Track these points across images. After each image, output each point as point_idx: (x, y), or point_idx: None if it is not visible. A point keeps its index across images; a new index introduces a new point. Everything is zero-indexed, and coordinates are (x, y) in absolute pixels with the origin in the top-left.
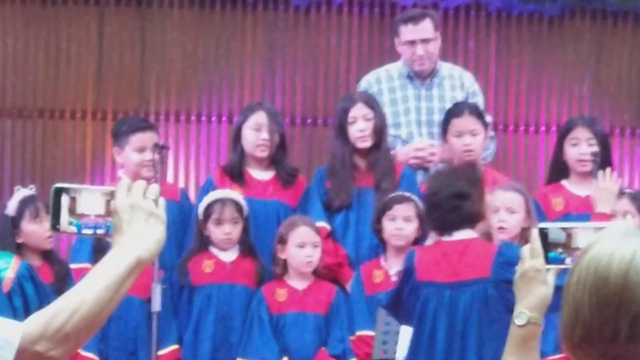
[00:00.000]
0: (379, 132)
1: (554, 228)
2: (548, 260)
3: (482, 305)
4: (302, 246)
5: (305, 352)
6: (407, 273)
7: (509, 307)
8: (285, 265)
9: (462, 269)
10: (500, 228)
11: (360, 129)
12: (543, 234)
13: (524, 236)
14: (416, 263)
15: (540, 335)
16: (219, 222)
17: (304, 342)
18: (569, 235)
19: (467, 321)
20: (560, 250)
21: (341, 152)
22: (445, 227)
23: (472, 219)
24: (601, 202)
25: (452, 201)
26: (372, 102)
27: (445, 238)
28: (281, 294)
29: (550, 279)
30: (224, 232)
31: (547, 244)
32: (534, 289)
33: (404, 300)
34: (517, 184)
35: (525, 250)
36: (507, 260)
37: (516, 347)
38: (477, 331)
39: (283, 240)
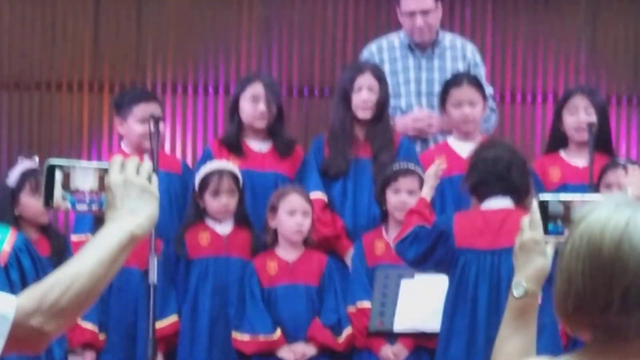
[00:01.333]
0: (382, 104)
1: (554, 200)
2: (547, 232)
3: None
4: (292, 214)
5: (298, 324)
6: (444, 236)
7: (549, 277)
8: (275, 234)
9: (503, 236)
10: None
11: (363, 98)
12: (543, 205)
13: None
14: (455, 228)
15: (538, 306)
16: (216, 193)
17: (297, 314)
18: (568, 207)
19: (509, 287)
20: (559, 221)
21: (342, 118)
22: (492, 195)
23: (518, 189)
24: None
25: (512, 169)
26: (379, 74)
27: (485, 206)
28: (272, 267)
29: (549, 250)
30: (221, 203)
31: (547, 216)
32: (532, 260)
33: (433, 258)
34: None
35: (525, 221)
36: None
37: (513, 318)
38: None
39: (274, 208)
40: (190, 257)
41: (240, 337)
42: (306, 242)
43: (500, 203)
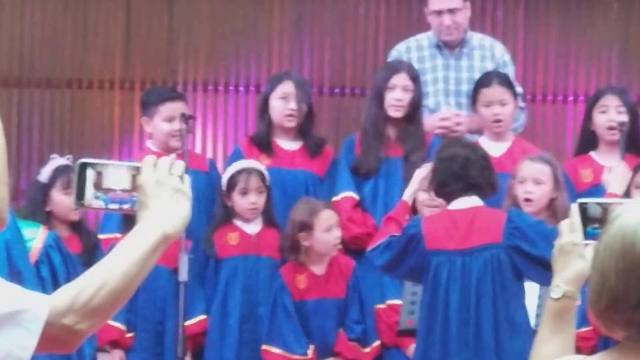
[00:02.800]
0: (415, 105)
1: (593, 203)
2: (586, 235)
3: (495, 270)
4: (329, 229)
5: (327, 337)
6: (413, 240)
7: (517, 275)
8: (307, 252)
9: (473, 235)
10: (527, 200)
11: (397, 97)
12: (582, 208)
13: (551, 207)
14: (424, 231)
15: (576, 309)
16: (244, 192)
17: (326, 329)
18: (606, 210)
19: (481, 287)
20: (597, 225)
21: (374, 117)
22: (455, 194)
23: (478, 185)
24: (612, 184)
25: (470, 167)
26: (415, 75)
27: (453, 207)
28: (301, 280)
29: (588, 253)
30: (250, 202)
31: (586, 219)
32: (571, 263)
33: (405, 264)
34: (546, 154)
35: (564, 224)
36: (517, 226)
37: (551, 320)
38: (492, 296)
39: (307, 227)
40: (219, 257)
41: (272, 350)
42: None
43: (466, 202)
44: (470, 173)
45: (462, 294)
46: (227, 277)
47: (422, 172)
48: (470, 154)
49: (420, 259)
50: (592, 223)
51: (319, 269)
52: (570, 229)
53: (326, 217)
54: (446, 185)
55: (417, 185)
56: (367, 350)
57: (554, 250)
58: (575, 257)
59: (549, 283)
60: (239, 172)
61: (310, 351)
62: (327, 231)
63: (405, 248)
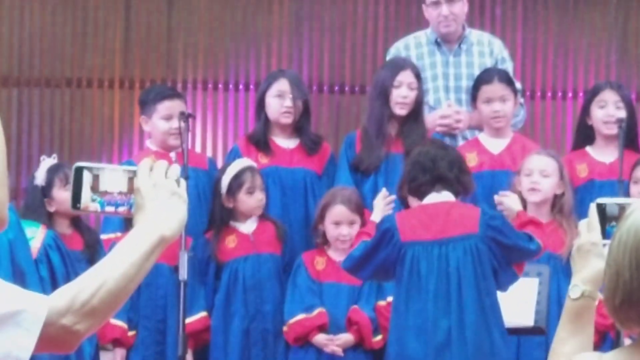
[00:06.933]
0: (418, 102)
1: (611, 203)
2: (605, 234)
3: (475, 259)
4: (338, 225)
5: (340, 321)
6: (387, 234)
7: (493, 267)
8: (324, 236)
9: (449, 226)
10: (532, 189)
11: (403, 95)
12: (601, 208)
13: (557, 203)
14: (398, 224)
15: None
16: (251, 191)
17: (338, 313)
18: (623, 209)
19: (462, 275)
20: (614, 224)
21: (378, 114)
22: (424, 188)
23: (447, 179)
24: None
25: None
26: (418, 73)
27: (426, 201)
28: (320, 262)
29: (607, 253)
30: (258, 199)
31: (604, 218)
32: (589, 262)
33: (377, 260)
34: (553, 151)
35: (582, 224)
36: (491, 216)
37: (570, 320)
38: (475, 284)
39: (322, 214)
40: (220, 260)
41: (285, 328)
42: None
43: (439, 197)
44: (438, 166)
45: (438, 283)
46: (230, 280)
47: (380, 197)
48: (440, 151)
49: (394, 251)
50: (611, 222)
51: (337, 256)
52: (588, 229)
53: (336, 212)
54: (415, 179)
55: (383, 207)
56: (377, 339)
57: (573, 250)
58: (593, 257)
59: (518, 275)
60: (243, 171)
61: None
62: (335, 225)
63: (378, 243)
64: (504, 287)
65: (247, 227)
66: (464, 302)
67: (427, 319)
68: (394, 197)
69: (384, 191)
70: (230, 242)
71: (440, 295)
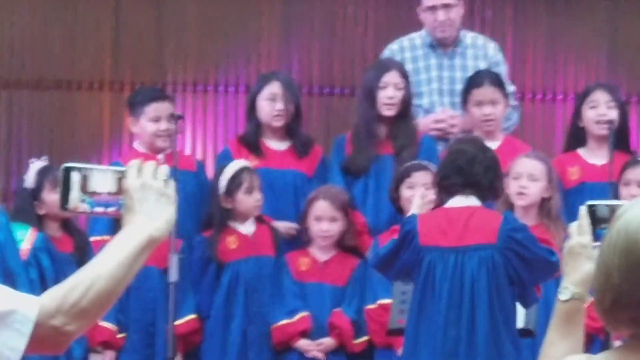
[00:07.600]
0: (406, 103)
1: (602, 205)
2: (595, 237)
3: (490, 271)
4: (319, 220)
5: (323, 322)
6: (409, 236)
7: (511, 278)
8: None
9: (468, 234)
10: (520, 194)
11: (389, 95)
12: (591, 211)
13: (544, 207)
14: (419, 227)
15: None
16: (250, 190)
17: (322, 313)
18: (614, 212)
19: (475, 286)
20: (605, 226)
21: (366, 116)
22: (454, 190)
23: (479, 184)
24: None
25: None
26: (405, 73)
27: (450, 205)
28: (303, 263)
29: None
30: (257, 199)
31: (595, 221)
32: (580, 264)
33: (399, 262)
34: (542, 154)
35: (573, 226)
36: (513, 227)
37: (560, 322)
38: (488, 297)
39: (306, 210)
40: (221, 260)
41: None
42: (341, 245)
43: (464, 201)
44: (474, 170)
45: (451, 291)
46: (230, 281)
47: (418, 196)
48: (478, 152)
49: (413, 255)
50: (602, 225)
51: (322, 256)
52: (579, 231)
53: (318, 207)
54: (448, 178)
55: (419, 203)
56: (358, 341)
57: (563, 253)
58: (584, 259)
59: (541, 281)
60: (240, 171)
61: (297, 317)
62: (316, 220)
63: (400, 244)
64: (525, 304)
65: (247, 228)
66: (475, 313)
67: (437, 327)
68: (433, 196)
69: (422, 191)
70: (231, 243)
71: (453, 304)
